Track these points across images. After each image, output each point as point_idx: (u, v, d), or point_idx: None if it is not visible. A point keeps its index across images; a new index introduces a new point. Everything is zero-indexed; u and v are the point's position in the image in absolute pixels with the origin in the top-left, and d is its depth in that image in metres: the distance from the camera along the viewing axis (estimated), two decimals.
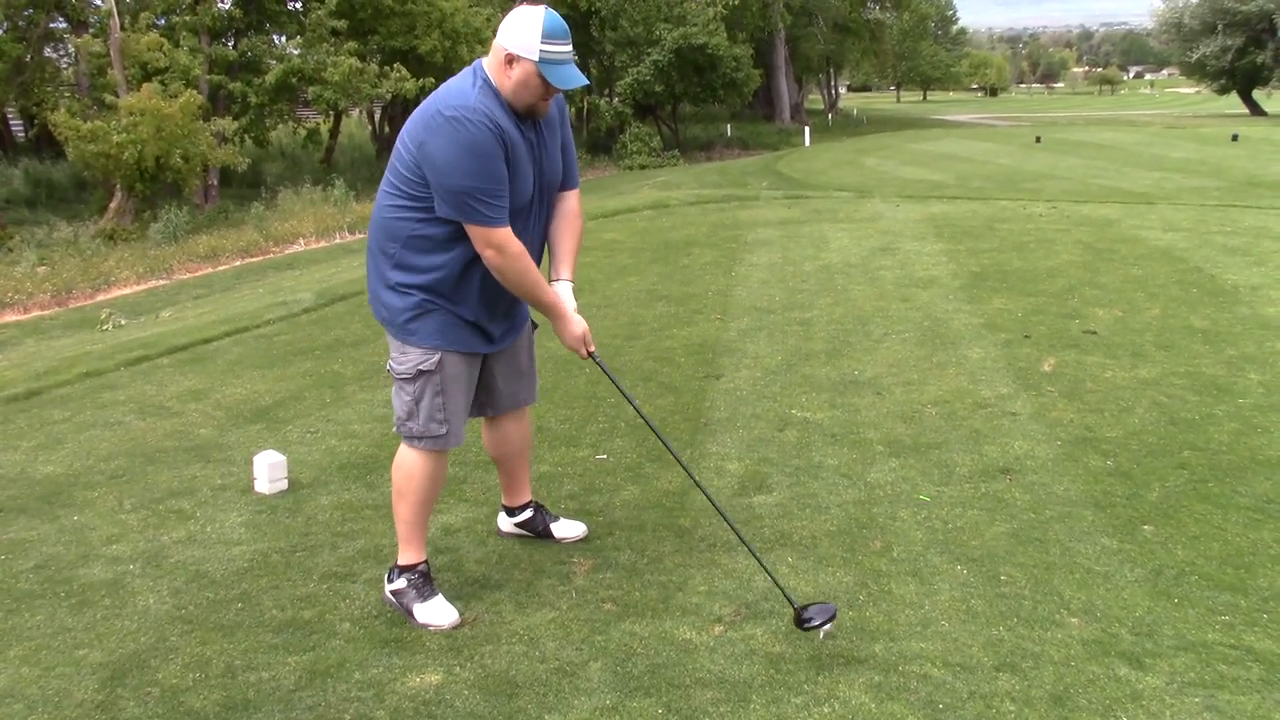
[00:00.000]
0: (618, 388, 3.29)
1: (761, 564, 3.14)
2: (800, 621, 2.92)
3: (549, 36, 2.83)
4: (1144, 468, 4.10)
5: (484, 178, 2.84)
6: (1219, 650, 2.88)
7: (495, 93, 2.89)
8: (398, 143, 2.98)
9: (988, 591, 3.23)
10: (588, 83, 3.03)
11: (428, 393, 3.07)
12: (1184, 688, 2.72)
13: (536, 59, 2.83)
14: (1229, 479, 3.98)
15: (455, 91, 2.89)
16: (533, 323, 3.43)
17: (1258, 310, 6.32)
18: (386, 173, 3.03)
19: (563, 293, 3.17)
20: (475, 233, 2.90)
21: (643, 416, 3.35)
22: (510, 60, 2.85)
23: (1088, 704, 2.66)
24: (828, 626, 2.91)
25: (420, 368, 3.06)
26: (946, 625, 3.05)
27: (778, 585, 3.06)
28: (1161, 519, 3.67)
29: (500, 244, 2.91)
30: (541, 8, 2.86)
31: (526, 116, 2.95)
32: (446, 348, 3.06)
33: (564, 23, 2.89)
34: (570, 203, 3.25)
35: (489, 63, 2.92)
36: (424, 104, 2.93)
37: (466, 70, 2.97)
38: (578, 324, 3.15)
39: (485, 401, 3.36)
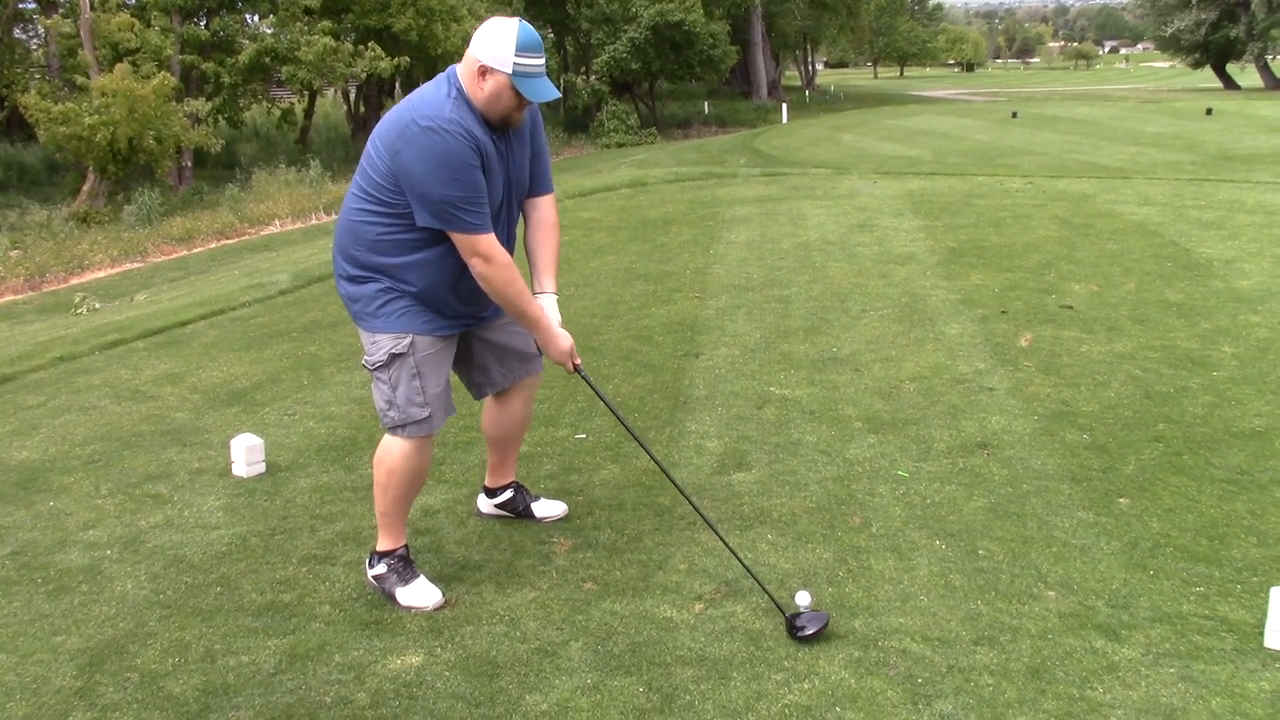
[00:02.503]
0: (604, 401, 3.28)
1: (751, 574, 3.11)
2: (793, 630, 2.91)
3: (523, 50, 2.83)
4: (1120, 441, 4.13)
5: (463, 186, 2.83)
6: (1194, 621, 2.91)
7: (469, 103, 2.87)
8: (369, 146, 2.97)
9: (966, 566, 3.25)
10: (559, 95, 3.03)
11: (403, 377, 3.06)
12: (1159, 659, 2.75)
13: (510, 72, 2.83)
14: (1203, 451, 4.01)
15: (430, 101, 2.87)
16: None
17: (1231, 283, 6.37)
18: (356, 176, 3.02)
19: (547, 306, 3.16)
20: (460, 241, 2.91)
21: (627, 427, 3.29)
22: (484, 72, 2.85)
23: (1065, 676, 2.69)
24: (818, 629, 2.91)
25: (392, 351, 3.04)
26: (925, 600, 3.07)
27: (766, 591, 3.05)
28: (1137, 492, 3.71)
29: (486, 253, 2.91)
30: (516, 20, 2.86)
31: (500, 128, 2.95)
32: (418, 331, 3.05)
33: (538, 35, 2.90)
34: (547, 210, 3.24)
35: (462, 72, 2.90)
36: (397, 111, 2.92)
37: (440, 78, 2.95)
38: (563, 339, 3.14)
39: (484, 381, 3.35)
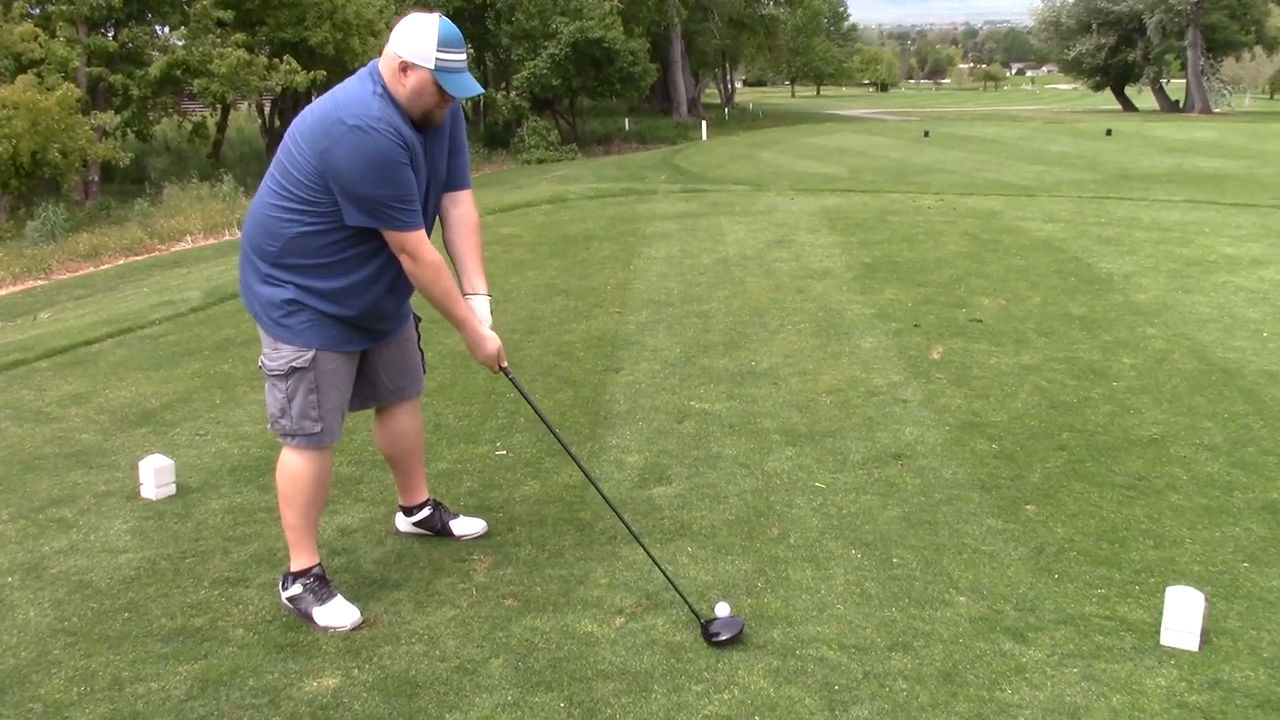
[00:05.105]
0: (530, 405, 3.31)
1: (669, 579, 3.14)
2: (708, 637, 2.94)
3: (445, 45, 2.83)
4: (1026, 450, 4.26)
5: (394, 185, 2.83)
6: (1095, 622, 3.02)
7: (394, 100, 2.86)
8: (287, 142, 2.92)
9: (880, 574, 3.32)
10: (484, 91, 3.04)
11: (301, 390, 3.03)
12: (1064, 659, 2.84)
13: (433, 67, 2.82)
14: (1104, 459, 4.16)
15: (356, 99, 2.84)
16: (416, 316, 3.41)
17: (1130, 297, 6.62)
18: (271, 170, 2.97)
19: (479, 308, 3.15)
20: (391, 238, 2.91)
21: (555, 435, 3.32)
22: (405, 68, 2.83)
23: (975, 679, 2.77)
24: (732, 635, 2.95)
25: (293, 364, 3.01)
26: (842, 608, 3.13)
27: (684, 599, 3.08)
28: (1043, 499, 3.83)
29: (414, 251, 2.91)
30: (436, 15, 2.86)
31: (423, 124, 2.94)
32: (321, 346, 3.02)
33: (459, 31, 2.89)
34: (467, 209, 3.22)
35: (384, 68, 2.88)
36: (320, 108, 2.89)
37: (362, 74, 2.92)
38: (490, 341, 3.13)
39: (369, 394, 3.32)
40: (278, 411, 3.08)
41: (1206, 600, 2.89)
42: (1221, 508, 3.72)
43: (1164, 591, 2.94)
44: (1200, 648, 2.86)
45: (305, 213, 2.90)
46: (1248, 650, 2.87)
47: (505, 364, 3.20)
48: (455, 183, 3.19)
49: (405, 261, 2.94)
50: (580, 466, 3.37)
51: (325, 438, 3.10)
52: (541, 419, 3.31)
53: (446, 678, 2.82)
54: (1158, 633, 2.92)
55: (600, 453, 4.37)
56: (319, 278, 2.97)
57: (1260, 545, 3.45)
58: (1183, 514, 3.68)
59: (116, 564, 3.52)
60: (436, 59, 2.81)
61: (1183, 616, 2.86)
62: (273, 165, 2.98)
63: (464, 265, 3.21)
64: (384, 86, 2.87)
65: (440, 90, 2.85)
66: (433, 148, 3.03)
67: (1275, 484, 3.90)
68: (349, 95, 2.87)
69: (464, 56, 2.89)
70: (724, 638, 2.92)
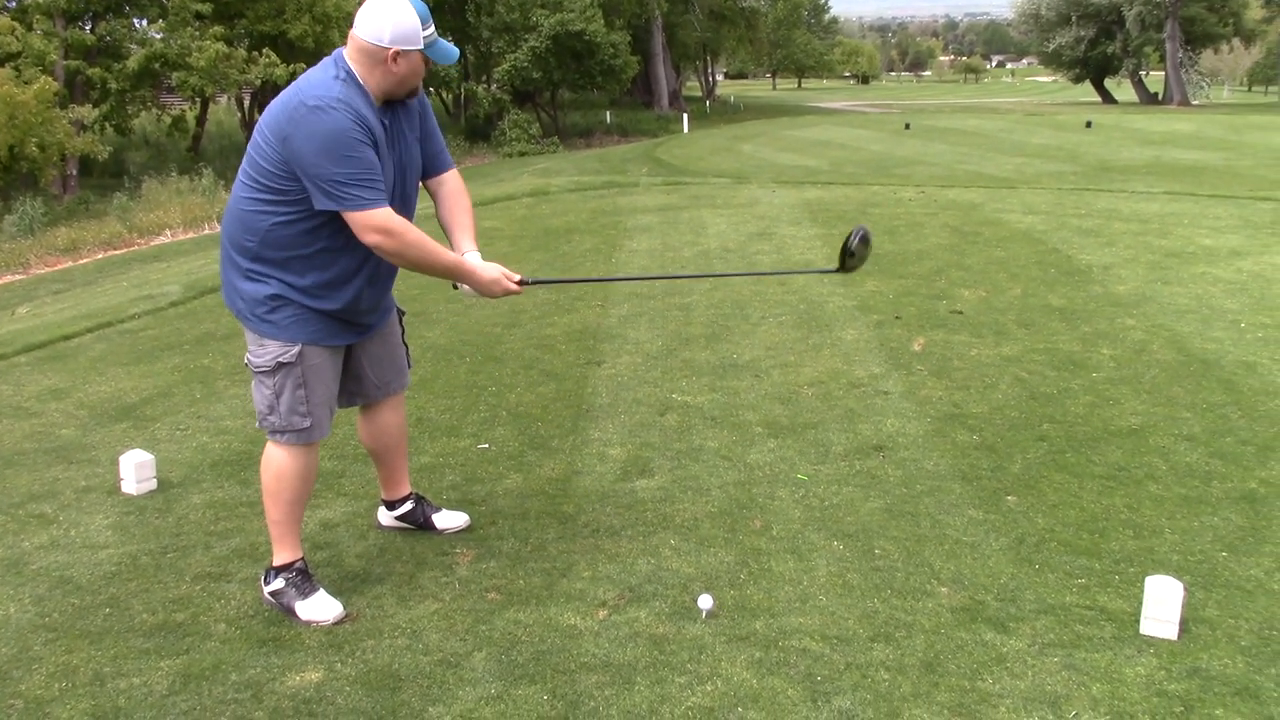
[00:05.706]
0: (565, 281, 3.33)
1: None
2: (848, 253, 3.28)
3: (425, 22, 2.90)
4: (1007, 441, 4.29)
5: (353, 163, 2.80)
6: (1076, 611, 3.04)
7: (359, 85, 2.87)
8: (255, 133, 2.92)
9: (863, 565, 3.34)
10: (459, 51, 3.11)
11: (288, 386, 3.01)
12: (1045, 649, 2.86)
13: (423, 47, 2.90)
14: (1084, 449, 4.19)
15: (317, 82, 2.85)
16: (399, 309, 3.40)
17: (1109, 288, 6.66)
18: (243, 163, 2.97)
19: (471, 260, 3.13)
20: (356, 220, 2.84)
21: (586, 280, 3.43)
22: (397, 57, 2.86)
23: (957, 669, 2.78)
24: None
25: (280, 360, 2.99)
26: (824, 600, 3.14)
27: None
28: (1023, 489, 3.85)
29: (383, 226, 2.87)
30: None
31: (406, 98, 3.00)
32: (307, 341, 3.01)
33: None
34: (454, 183, 3.25)
35: (352, 56, 2.89)
36: (284, 95, 2.89)
37: (326, 62, 2.94)
38: (488, 269, 3.09)
39: (355, 390, 3.30)
40: (266, 409, 3.06)
41: (1185, 589, 2.91)
42: (1200, 497, 3.76)
43: (1143, 581, 2.96)
44: (1179, 637, 2.89)
45: (277, 203, 2.89)
46: (1226, 639, 2.90)
47: (517, 277, 3.14)
48: (437, 166, 3.21)
49: (378, 240, 2.86)
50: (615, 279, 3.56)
51: (314, 433, 3.09)
52: (574, 280, 3.38)
53: (429, 671, 2.82)
54: (1137, 622, 2.94)
55: (582, 446, 4.37)
56: (299, 273, 2.95)
57: (1238, 534, 3.49)
58: (1162, 504, 3.71)
59: (97, 559, 3.50)
60: (424, 38, 2.89)
61: (1162, 606, 2.89)
62: (245, 159, 2.97)
63: (452, 232, 3.20)
64: (348, 72, 2.88)
65: (428, 62, 2.96)
66: (404, 134, 3.04)
67: (1253, 474, 3.94)
68: (311, 81, 2.89)
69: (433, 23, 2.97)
70: (857, 239, 3.26)
